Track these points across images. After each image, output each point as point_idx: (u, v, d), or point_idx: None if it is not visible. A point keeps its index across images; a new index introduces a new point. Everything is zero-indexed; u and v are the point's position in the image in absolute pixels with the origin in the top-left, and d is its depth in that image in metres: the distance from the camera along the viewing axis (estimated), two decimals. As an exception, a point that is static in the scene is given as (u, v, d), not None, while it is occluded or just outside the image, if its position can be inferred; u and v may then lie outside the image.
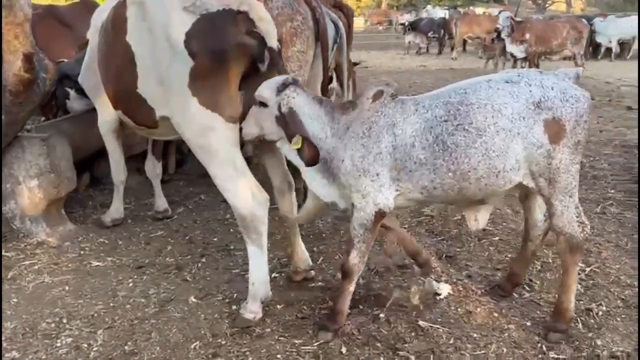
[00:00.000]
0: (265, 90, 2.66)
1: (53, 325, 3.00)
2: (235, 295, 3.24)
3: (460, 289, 3.16)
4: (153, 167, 4.38)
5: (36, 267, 3.63)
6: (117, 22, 3.10)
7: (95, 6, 6.40)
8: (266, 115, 2.67)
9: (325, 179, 2.70)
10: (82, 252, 3.87)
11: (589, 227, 2.62)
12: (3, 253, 3.73)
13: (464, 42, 20.97)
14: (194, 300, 3.21)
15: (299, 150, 2.57)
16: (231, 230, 4.22)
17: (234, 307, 3.10)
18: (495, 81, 2.53)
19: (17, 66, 3.18)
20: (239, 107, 2.84)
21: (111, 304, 3.20)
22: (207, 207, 4.72)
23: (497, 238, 3.89)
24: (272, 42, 2.76)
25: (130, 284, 3.43)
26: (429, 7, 28.20)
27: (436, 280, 3.11)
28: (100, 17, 3.65)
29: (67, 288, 3.38)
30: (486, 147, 2.44)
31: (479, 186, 2.52)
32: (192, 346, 2.78)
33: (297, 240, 3.30)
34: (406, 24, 22.08)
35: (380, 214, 2.62)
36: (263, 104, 2.66)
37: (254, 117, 2.70)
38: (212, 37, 2.72)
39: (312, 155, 2.52)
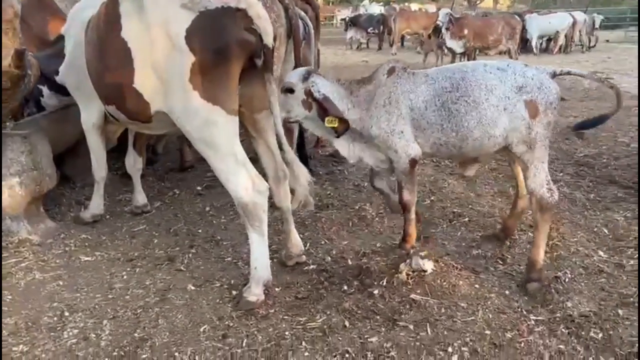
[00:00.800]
0: (293, 78, 3.24)
1: (55, 318, 3.04)
2: (232, 281, 3.37)
3: (442, 265, 3.43)
4: (134, 163, 4.40)
5: (24, 264, 3.62)
6: (109, 19, 3.12)
7: (48, 1, 6.26)
8: (293, 100, 3.24)
9: (350, 142, 3.38)
10: (67, 249, 3.87)
11: (556, 193, 3.15)
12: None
13: (402, 37, 21.63)
14: (192, 288, 3.32)
15: (332, 127, 3.18)
16: (214, 222, 4.32)
17: (233, 292, 3.24)
18: (490, 66, 3.15)
19: (7, 63, 3.15)
20: (237, 101, 2.98)
21: (110, 296, 3.26)
22: (185, 201, 4.79)
23: (466, 219, 4.21)
24: (269, 39, 2.92)
25: (125, 277, 3.49)
26: (365, 2, 28.62)
27: (421, 258, 3.37)
28: (82, 14, 3.64)
29: (61, 283, 3.41)
30: (480, 116, 3.07)
31: (474, 146, 3.15)
32: (201, 329, 2.90)
33: (291, 227, 3.47)
34: (347, 19, 22.49)
35: (413, 161, 3.26)
36: (289, 91, 3.23)
37: (280, 104, 3.13)
38: (213, 34, 2.83)
39: (345, 128, 3.19)
